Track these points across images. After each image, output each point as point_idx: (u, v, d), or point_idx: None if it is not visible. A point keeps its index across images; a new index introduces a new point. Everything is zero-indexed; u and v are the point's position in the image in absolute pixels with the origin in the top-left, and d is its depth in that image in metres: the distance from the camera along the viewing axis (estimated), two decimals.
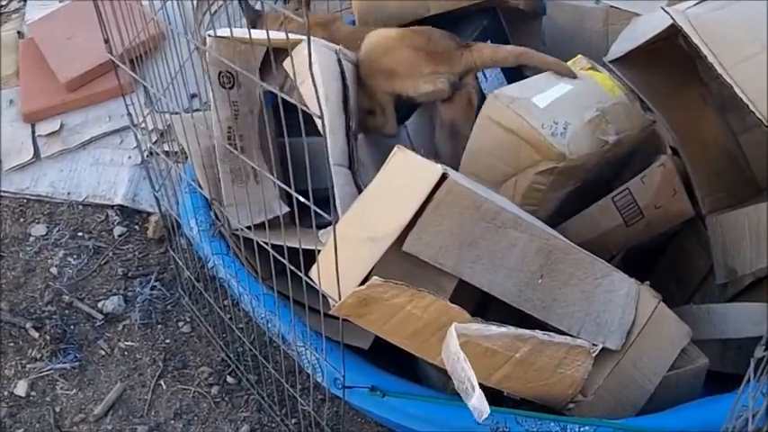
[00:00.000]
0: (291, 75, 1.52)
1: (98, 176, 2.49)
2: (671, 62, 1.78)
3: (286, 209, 1.74)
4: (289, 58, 1.47)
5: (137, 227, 2.40)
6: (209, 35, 1.61)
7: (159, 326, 2.12)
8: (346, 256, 1.31)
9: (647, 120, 1.69)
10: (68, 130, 2.59)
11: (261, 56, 1.68)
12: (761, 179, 1.78)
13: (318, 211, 1.24)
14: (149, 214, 2.40)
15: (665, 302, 1.51)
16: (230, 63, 1.41)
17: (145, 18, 1.76)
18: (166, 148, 2.27)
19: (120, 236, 2.36)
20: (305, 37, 1.33)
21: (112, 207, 2.44)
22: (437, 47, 1.78)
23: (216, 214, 1.78)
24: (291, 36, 1.28)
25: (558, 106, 1.63)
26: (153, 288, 2.20)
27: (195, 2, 2.77)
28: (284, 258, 1.42)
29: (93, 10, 1.53)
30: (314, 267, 1.38)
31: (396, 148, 1.39)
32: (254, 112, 1.76)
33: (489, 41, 2.14)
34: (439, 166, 1.30)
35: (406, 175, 1.36)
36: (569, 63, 1.78)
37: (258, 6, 2.10)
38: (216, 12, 2.95)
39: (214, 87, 1.68)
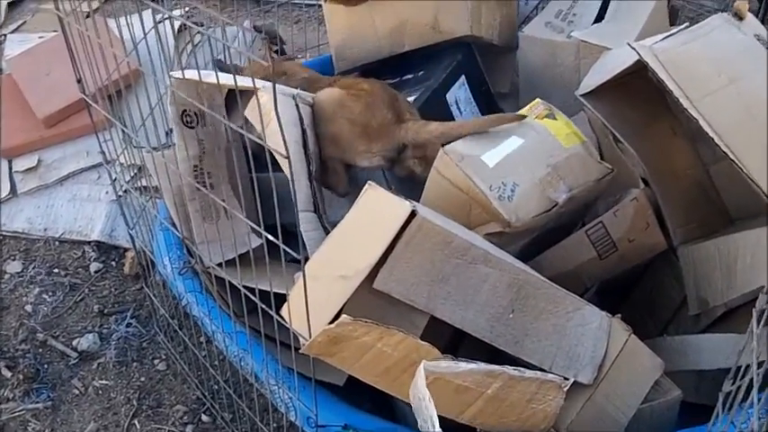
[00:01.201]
0: (255, 118, 1.53)
1: (75, 212, 2.49)
2: (641, 95, 1.80)
3: (258, 241, 1.74)
4: (251, 103, 1.50)
5: (113, 263, 2.39)
6: (171, 76, 1.61)
7: (134, 363, 2.10)
8: (317, 294, 1.31)
9: (605, 169, 1.69)
10: (46, 165, 2.59)
11: (225, 93, 1.70)
12: (731, 210, 1.80)
13: (287, 250, 1.25)
14: (126, 250, 2.40)
15: (639, 333, 1.51)
16: (193, 102, 1.42)
17: (124, 52, 1.77)
18: (144, 183, 2.27)
19: (96, 272, 2.35)
20: (267, 82, 1.36)
21: (89, 243, 2.43)
22: (373, 120, 1.74)
23: (189, 252, 1.78)
24: (246, 84, 1.31)
25: (508, 164, 1.61)
26: (129, 325, 2.18)
27: (173, 36, 2.78)
28: (256, 297, 1.42)
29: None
30: (285, 306, 1.38)
31: (367, 185, 1.39)
32: (221, 148, 1.77)
33: (464, 76, 2.17)
34: (408, 202, 1.30)
35: (377, 211, 1.36)
36: (525, 109, 1.77)
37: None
38: (199, 43, 2.97)
39: (177, 127, 1.68)
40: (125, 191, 2.28)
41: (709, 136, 1.53)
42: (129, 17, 2.70)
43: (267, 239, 1.25)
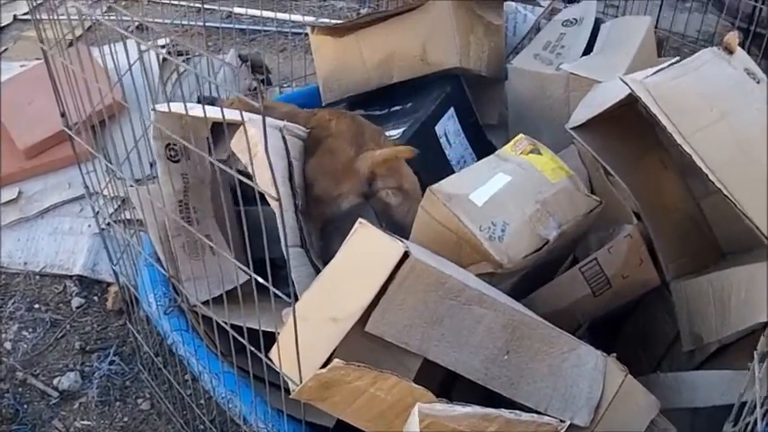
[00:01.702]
0: (242, 151, 1.51)
1: (56, 246, 2.44)
2: (631, 128, 1.79)
3: (245, 277, 1.71)
4: (237, 136, 1.47)
5: (96, 298, 2.34)
6: (153, 109, 1.58)
7: (117, 403, 2.05)
8: (307, 337, 1.29)
9: (593, 202, 1.67)
10: (26, 198, 2.54)
11: (210, 125, 1.67)
12: (723, 244, 1.79)
13: (277, 293, 1.22)
14: (109, 284, 2.35)
15: (632, 369, 1.48)
16: (176, 137, 1.39)
17: (108, 84, 1.74)
18: (128, 216, 2.24)
19: (78, 307, 2.31)
20: (254, 115, 1.33)
21: (71, 277, 2.38)
22: (338, 163, 1.73)
23: (175, 289, 1.74)
24: (232, 118, 1.29)
25: (497, 203, 1.58)
26: (111, 363, 2.14)
27: (158, 66, 2.76)
28: (244, 337, 1.38)
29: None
30: (274, 348, 1.34)
31: (358, 224, 1.37)
32: (205, 182, 1.74)
33: (453, 108, 2.15)
34: (401, 243, 1.28)
35: (368, 252, 1.33)
36: (509, 145, 1.75)
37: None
38: (183, 72, 2.94)
39: (161, 161, 1.65)
40: (108, 224, 2.25)
41: (702, 171, 1.52)
42: (113, 46, 2.69)
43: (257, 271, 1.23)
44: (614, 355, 1.49)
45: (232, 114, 1.68)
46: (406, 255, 1.27)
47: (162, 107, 1.58)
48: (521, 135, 1.78)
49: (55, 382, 2.10)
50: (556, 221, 1.59)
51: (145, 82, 2.29)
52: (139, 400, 2.06)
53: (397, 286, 1.28)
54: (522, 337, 1.38)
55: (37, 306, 2.30)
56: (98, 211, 1.93)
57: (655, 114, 1.54)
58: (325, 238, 1.77)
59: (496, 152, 1.77)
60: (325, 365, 1.25)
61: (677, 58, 1.71)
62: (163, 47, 2.97)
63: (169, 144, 1.66)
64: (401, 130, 2.01)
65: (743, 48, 1.72)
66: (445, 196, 1.59)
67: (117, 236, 1.90)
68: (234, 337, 1.41)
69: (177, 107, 1.57)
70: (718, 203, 1.75)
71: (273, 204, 1.52)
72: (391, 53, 2.17)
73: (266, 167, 1.15)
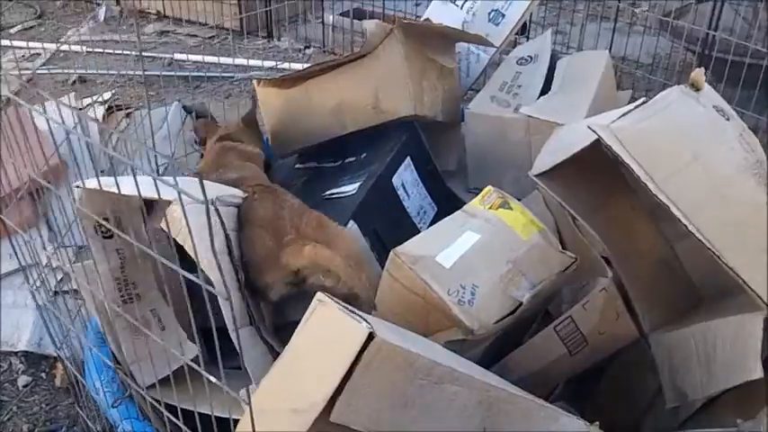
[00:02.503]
0: (176, 233, 1.40)
1: None
2: (596, 171, 1.71)
3: (193, 352, 1.61)
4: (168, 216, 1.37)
5: (43, 374, 2.20)
6: (76, 187, 1.47)
7: None
8: (266, 430, 1.18)
9: (568, 259, 1.59)
10: None
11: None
12: (701, 286, 1.71)
13: (227, 389, 1.11)
14: (57, 359, 2.21)
15: (615, 424, 1.42)
16: (106, 212, 1.29)
17: (42, 151, 1.62)
18: (75, 286, 2.10)
19: (24, 386, 2.16)
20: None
21: (16, 354, 2.23)
22: (258, 255, 1.62)
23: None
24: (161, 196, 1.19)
25: (466, 264, 1.50)
26: None
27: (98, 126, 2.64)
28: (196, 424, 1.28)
29: None
30: None
31: (316, 300, 1.26)
32: (141, 253, 1.62)
33: (409, 157, 2.06)
34: (365, 324, 1.16)
35: (329, 334, 1.22)
36: (477, 198, 1.67)
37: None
38: (128, 125, 2.83)
39: (93, 240, 1.53)
40: (56, 293, 2.11)
41: (676, 217, 1.44)
42: (48, 104, 2.56)
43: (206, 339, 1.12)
44: (597, 423, 1.40)
45: (156, 191, 1.57)
46: (371, 336, 1.16)
47: (90, 183, 1.46)
48: (489, 188, 1.70)
49: None
50: (529, 281, 1.50)
51: (81, 145, 2.18)
52: None
53: (362, 370, 1.17)
54: (499, 413, 1.28)
55: None
56: (39, 285, 1.81)
57: (627, 163, 1.45)
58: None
59: (464, 207, 1.68)
60: None
61: (643, 99, 1.63)
62: (106, 101, 2.85)
63: (97, 223, 1.54)
64: (357, 185, 1.91)
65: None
66: (410, 259, 1.50)
67: (63, 309, 1.76)
68: (183, 425, 1.29)
69: (93, 183, 1.45)
70: (694, 246, 1.67)
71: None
72: (343, 102, 2.08)
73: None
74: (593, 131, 1.50)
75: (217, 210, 1.55)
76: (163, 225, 1.50)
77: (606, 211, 1.73)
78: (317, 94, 2.10)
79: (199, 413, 1.33)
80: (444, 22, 2.21)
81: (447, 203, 2.03)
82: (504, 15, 2.33)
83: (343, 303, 1.25)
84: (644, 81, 3.05)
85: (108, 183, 1.36)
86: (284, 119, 2.15)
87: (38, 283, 1.81)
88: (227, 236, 1.56)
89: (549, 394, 1.64)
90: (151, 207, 1.63)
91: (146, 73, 3.57)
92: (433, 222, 2.00)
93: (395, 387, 1.21)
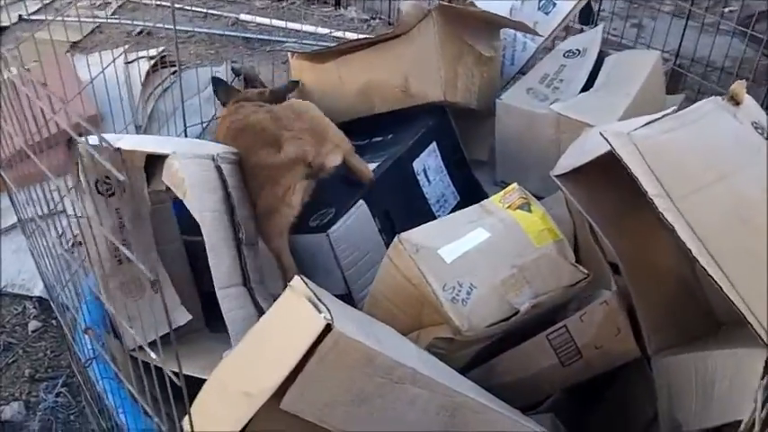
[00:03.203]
0: (174, 187, 1.37)
1: (19, 264, 2.31)
2: (621, 179, 1.61)
3: (187, 317, 1.61)
4: (165, 171, 1.34)
5: (54, 321, 2.21)
6: (78, 143, 1.45)
7: None
8: (221, 407, 1.16)
9: (579, 275, 1.51)
10: None
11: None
12: (718, 313, 1.60)
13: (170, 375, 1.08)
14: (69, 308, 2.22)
15: None
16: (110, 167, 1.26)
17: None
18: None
19: (33, 331, 2.18)
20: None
21: (31, 298, 2.26)
22: (264, 169, 1.69)
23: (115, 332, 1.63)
24: (158, 150, 1.16)
25: (468, 261, 1.44)
26: (58, 395, 2.00)
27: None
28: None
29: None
30: (186, 419, 1.19)
31: (289, 286, 1.22)
32: (141, 214, 1.59)
33: (435, 143, 2.00)
34: (323, 315, 1.12)
35: (290, 321, 1.18)
36: (500, 194, 1.61)
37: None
38: (169, 87, 2.83)
39: (92, 197, 1.51)
40: (73, 244, 2.12)
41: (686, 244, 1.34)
42: (100, 55, 2.57)
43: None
44: None
45: (156, 146, 1.55)
46: (328, 327, 1.11)
47: (92, 139, 1.44)
48: (514, 185, 1.63)
49: None
50: (531, 290, 1.43)
51: (123, 93, 2.18)
52: None
53: (317, 362, 1.12)
54: (463, 422, 1.22)
55: None
56: (62, 233, 1.81)
57: (637, 177, 1.36)
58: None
59: (482, 202, 1.62)
60: None
61: (674, 107, 1.53)
62: (152, 57, 2.85)
63: (98, 179, 1.52)
64: (376, 165, 1.85)
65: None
66: (412, 247, 1.45)
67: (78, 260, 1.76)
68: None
69: (112, 138, 1.43)
70: None
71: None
72: (371, 82, 2.02)
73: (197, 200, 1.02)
74: (605, 139, 1.41)
75: (217, 166, 1.53)
76: (165, 179, 1.49)
77: (629, 221, 1.62)
78: (346, 73, 2.04)
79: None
80: (492, 6, 2.12)
81: (471, 195, 1.95)
82: (555, 4, 2.22)
83: (318, 289, 1.21)
84: (715, 83, 2.86)
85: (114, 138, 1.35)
86: (315, 94, 2.10)
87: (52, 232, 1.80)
88: (228, 194, 1.53)
89: (540, 403, 1.57)
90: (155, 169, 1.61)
91: (207, 31, 3.59)
92: (452, 213, 1.93)
93: (352, 382, 1.16)
